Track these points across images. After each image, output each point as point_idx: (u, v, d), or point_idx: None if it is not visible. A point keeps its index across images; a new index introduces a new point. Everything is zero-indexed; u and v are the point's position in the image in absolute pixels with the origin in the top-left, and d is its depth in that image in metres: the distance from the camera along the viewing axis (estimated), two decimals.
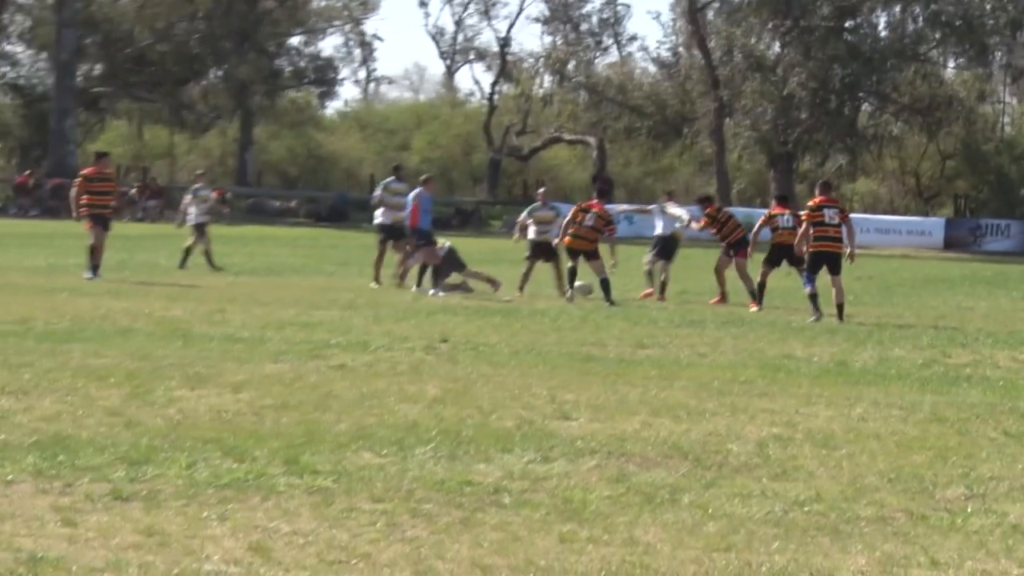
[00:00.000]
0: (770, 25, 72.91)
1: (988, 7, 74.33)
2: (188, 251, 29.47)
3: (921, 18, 75.61)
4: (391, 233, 26.34)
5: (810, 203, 22.80)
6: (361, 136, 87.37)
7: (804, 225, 22.08)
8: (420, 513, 8.13)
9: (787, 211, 24.65)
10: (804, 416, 11.87)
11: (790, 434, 10.97)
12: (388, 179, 27.57)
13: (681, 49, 79.90)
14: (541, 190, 27.81)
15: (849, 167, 78.16)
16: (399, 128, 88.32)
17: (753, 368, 15.17)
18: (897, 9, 76.01)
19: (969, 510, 8.47)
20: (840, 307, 21.68)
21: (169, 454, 9.37)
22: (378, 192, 27.34)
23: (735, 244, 25.14)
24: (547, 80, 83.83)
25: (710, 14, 76.66)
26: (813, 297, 21.74)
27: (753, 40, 73.94)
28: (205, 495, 8.38)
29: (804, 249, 22.05)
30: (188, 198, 30.64)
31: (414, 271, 25.46)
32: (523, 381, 13.42)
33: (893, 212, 74.75)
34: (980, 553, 7.56)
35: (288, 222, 61.30)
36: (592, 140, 79.61)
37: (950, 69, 79.21)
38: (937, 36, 74.84)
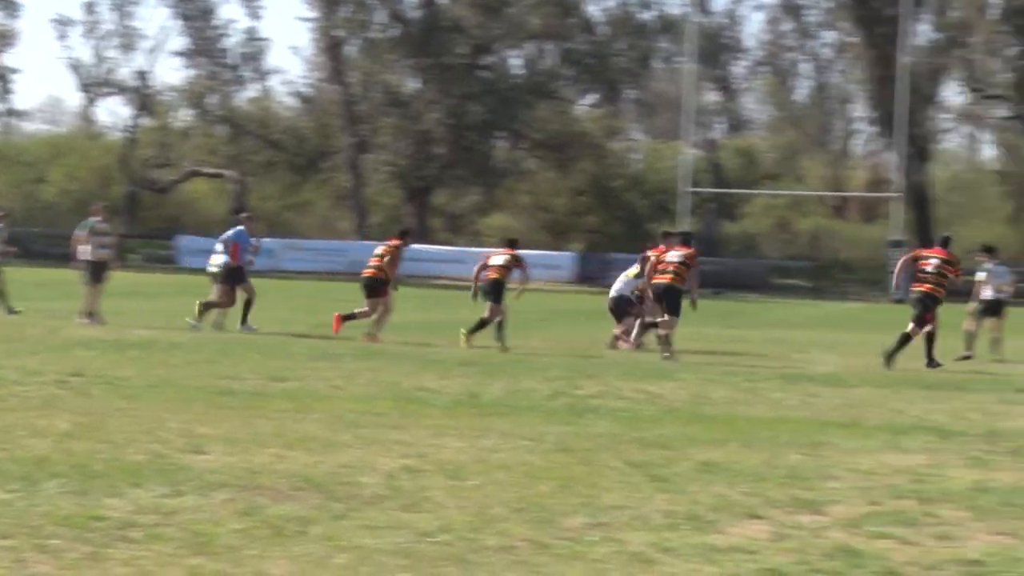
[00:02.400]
0: (410, 62, 73.55)
1: (620, 46, 76.54)
2: None
3: (555, 56, 77.37)
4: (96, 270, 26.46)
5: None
6: None
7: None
8: (47, 549, 7.96)
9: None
10: (435, 447, 12.03)
11: (421, 465, 11.10)
12: (94, 220, 27.34)
13: (321, 83, 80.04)
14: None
15: (484, 202, 79.40)
16: (36, 160, 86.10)
17: (387, 400, 15.30)
18: (531, 47, 77.58)
19: (591, 538, 8.68)
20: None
21: None
22: (80, 231, 27.11)
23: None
24: (186, 113, 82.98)
25: (351, 49, 76.92)
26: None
27: (392, 76, 74.44)
28: None
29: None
30: None
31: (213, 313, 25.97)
32: (157, 415, 13.25)
33: (526, 247, 76.01)
34: None
35: None
36: (231, 174, 78.99)
37: (582, 106, 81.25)
38: (570, 74, 76.66)
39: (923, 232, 75.34)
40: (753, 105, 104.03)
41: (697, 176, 75.05)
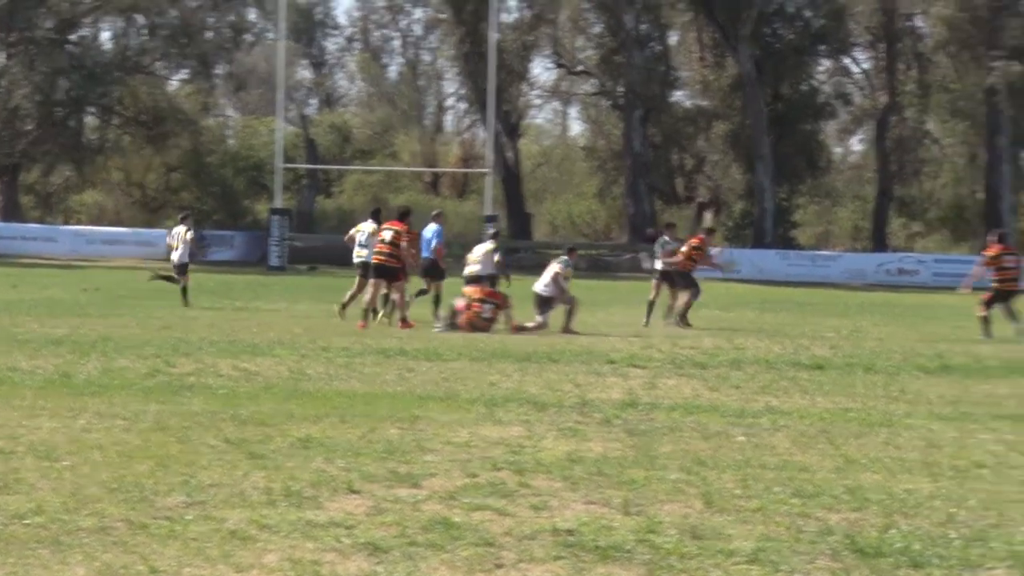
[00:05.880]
0: None
1: (210, 21, 75.71)
2: None
3: (145, 31, 76.07)
4: None
5: None
6: None
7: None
8: None
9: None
10: (27, 428, 11.72)
11: (13, 447, 10.79)
12: None
13: None
14: None
15: (76, 179, 77.61)
16: None
17: None
18: (121, 22, 76.06)
19: (189, 517, 8.60)
20: None
21: None
22: None
23: None
24: None
25: None
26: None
27: None
28: None
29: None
30: None
31: None
32: None
33: (119, 224, 74.61)
34: (199, 559, 7.70)
35: None
36: None
37: (175, 82, 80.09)
38: (161, 49, 75.47)
39: (514, 207, 77.03)
40: (346, 81, 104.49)
41: (291, 152, 74.89)
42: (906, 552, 8.03)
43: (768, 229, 69.86)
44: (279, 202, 63.17)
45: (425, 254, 27.76)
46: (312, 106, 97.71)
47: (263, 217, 70.01)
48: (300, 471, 10.16)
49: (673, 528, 8.54)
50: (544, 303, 26.37)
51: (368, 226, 27.72)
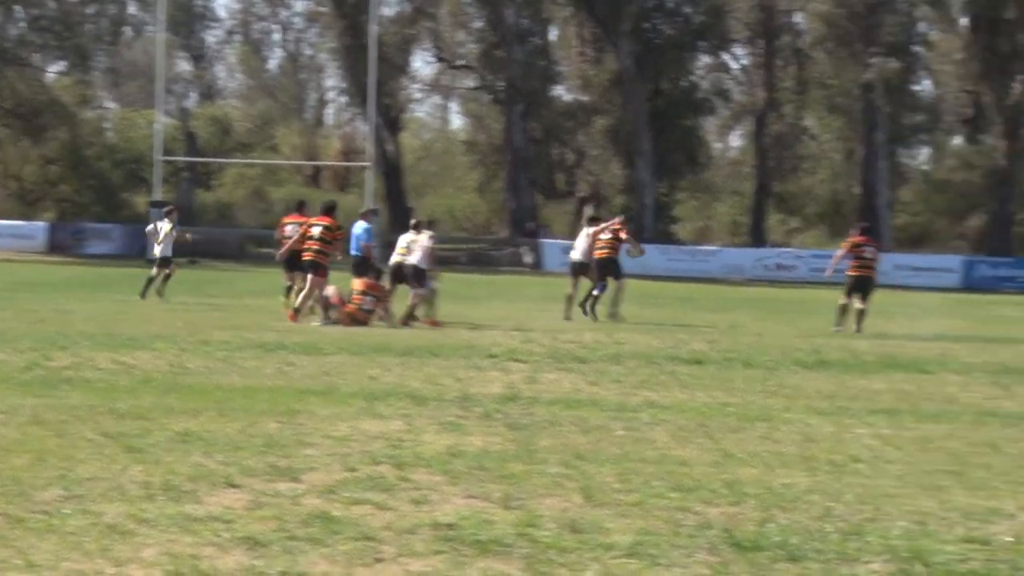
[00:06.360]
0: None
1: (90, 13, 74.87)
2: None
3: (23, 22, 75.12)
4: None
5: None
6: None
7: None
8: None
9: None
10: None
11: None
12: None
13: None
14: None
15: None
16: None
17: None
18: None
19: (66, 511, 8.52)
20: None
21: None
22: None
23: None
24: None
25: None
26: None
27: None
28: None
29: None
30: None
31: None
32: None
33: None
34: (76, 554, 7.63)
35: None
36: None
37: (53, 74, 79.15)
38: (39, 41, 74.56)
39: (395, 201, 76.88)
40: (226, 74, 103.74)
41: (170, 145, 74.17)
42: (784, 546, 8.13)
43: (648, 224, 70.28)
44: (158, 195, 62.53)
45: (355, 252, 27.58)
46: (192, 99, 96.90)
47: (142, 210, 69.36)
48: (179, 465, 10.10)
49: (552, 522, 8.59)
50: (419, 275, 26.50)
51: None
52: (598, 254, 29.38)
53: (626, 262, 30.32)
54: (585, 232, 29.92)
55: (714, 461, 11.04)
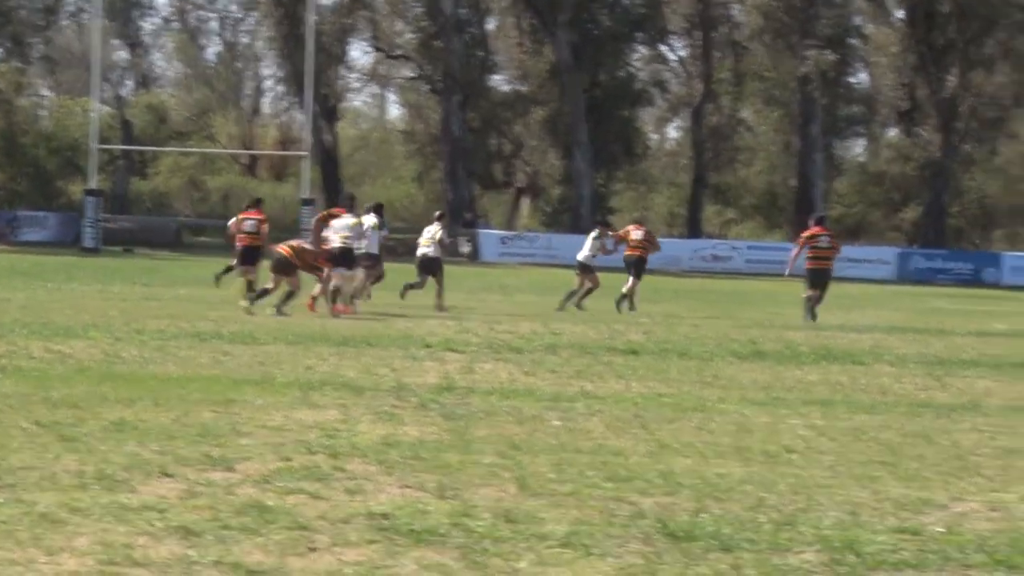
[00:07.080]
0: None
1: None
2: None
3: None
4: None
5: None
6: None
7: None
8: None
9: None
10: None
11: None
12: None
13: None
14: None
15: None
16: None
17: None
18: None
19: None
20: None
21: None
22: None
23: None
24: None
25: None
26: None
27: None
28: None
29: None
30: None
31: None
32: None
33: None
34: (8, 543, 7.57)
35: None
36: None
37: None
38: None
39: (332, 191, 76.68)
40: (163, 62, 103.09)
41: (106, 133, 73.75)
42: (717, 536, 8.16)
43: (585, 215, 70.39)
44: (94, 183, 62.17)
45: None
46: (128, 87, 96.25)
47: (77, 198, 68.90)
48: (113, 454, 10.05)
49: (487, 512, 8.60)
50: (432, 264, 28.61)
51: (369, 219, 27.22)
52: (629, 251, 30.91)
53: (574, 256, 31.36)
54: (592, 236, 31.16)
55: (649, 451, 11.08)
